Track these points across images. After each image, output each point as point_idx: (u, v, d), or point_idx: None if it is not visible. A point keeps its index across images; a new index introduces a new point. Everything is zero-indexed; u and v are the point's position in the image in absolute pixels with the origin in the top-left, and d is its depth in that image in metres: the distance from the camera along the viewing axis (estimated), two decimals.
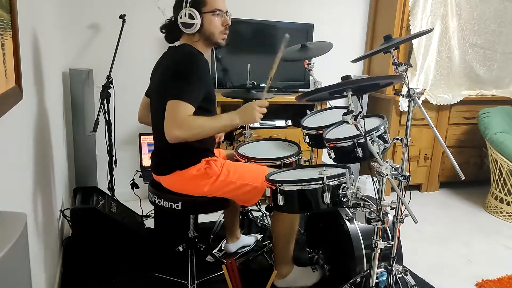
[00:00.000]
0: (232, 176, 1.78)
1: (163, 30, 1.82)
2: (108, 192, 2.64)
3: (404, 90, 1.74)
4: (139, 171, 2.78)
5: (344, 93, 1.56)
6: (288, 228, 1.92)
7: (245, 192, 1.79)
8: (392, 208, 1.60)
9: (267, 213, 2.70)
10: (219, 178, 1.77)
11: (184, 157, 1.76)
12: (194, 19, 1.69)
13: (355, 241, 1.84)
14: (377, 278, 1.72)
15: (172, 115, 1.59)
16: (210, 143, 1.89)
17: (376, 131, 1.69)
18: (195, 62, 1.69)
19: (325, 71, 3.03)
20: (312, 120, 2.20)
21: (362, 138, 1.65)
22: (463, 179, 1.64)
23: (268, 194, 1.69)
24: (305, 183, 1.60)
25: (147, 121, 1.99)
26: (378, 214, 1.54)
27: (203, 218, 2.70)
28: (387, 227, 1.86)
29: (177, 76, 1.65)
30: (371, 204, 1.64)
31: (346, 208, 1.94)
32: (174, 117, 1.58)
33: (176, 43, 1.84)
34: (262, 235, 2.54)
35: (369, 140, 1.53)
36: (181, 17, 1.69)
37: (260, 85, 3.05)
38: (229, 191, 1.79)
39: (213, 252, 2.35)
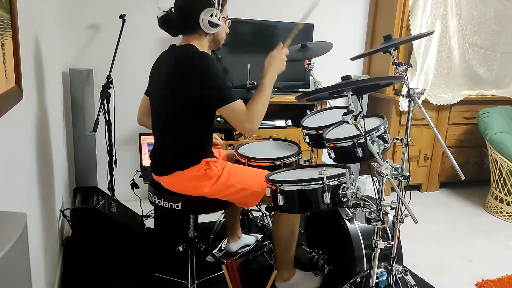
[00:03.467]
0: (232, 179, 1.78)
1: (167, 24, 1.78)
2: (108, 192, 2.64)
3: (404, 90, 1.74)
4: (139, 171, 2.78)
5: (344, 93, 1.56)
6: (288, 232, 1.91)
7: (245, 195, 1.79)
8: (392, 208, 1.60)
9: (267, 213, 2.70)
10: (220, 180, 1.77)
11: (184, 157, 1.76)
12: (220, 21, 1.73)
13: (355, 241, 1.84)
14: (377, 278, 1.72)
15: (236, 117, 1.68)
16: (208, 143, 1.89)
17: (376, 131, 1.69)
18: (216, 65, 1.71)
19: (325, 71, 3.03)
20: (312, 120, 2.20)
21: (362, 138, 1.65)
22: (463, 179, 1.64)
23: (268, 194, 1.69)
24: (305, 183, 1.59)
25: (147, 123, 1.97)
26: (378, 214, 1.54)
27: (203, 218, 2.70)
28: (387, 227, 1.86)
29: (210, 83, 1.66)
30: (371, 204, 1.64)
31: (346, 208, 1.94)
32: (239, 117, 1.68)
33: (177, 43, 1.84)
34: (262, 235, 2.54)
35: (369, 140, 1.53)
36: (211, 16, 1.69)
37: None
38: (229, 194, 1.79)
39: (213, 252, 2.35)
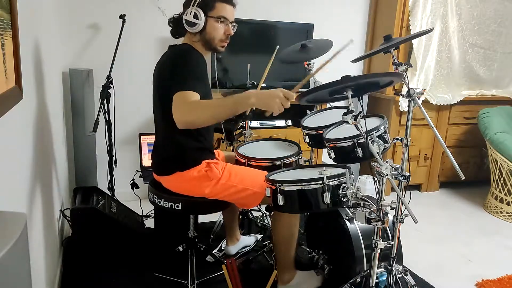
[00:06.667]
0: (233, 180, 1.78)
1: (171, 24, 1.84)
2: (108, 192, 2.64)
3: (404, 90, 1.74)
4: (139, 171, 2.78)
5: (344, 93, 1.55)
6: (287, 234, 1.90)
7: (245, 196, 1.79)
8: (392, 208, 1.60)
9: (267, 213, 2.70)
10: (220, 181, 1.77)
11: (184, 157, 1.76)
12: (198, 19, 1.70)
13: (355, 241, 1.84)
14: (377, 278, 1.72)
15: (178, 103, 1.56)
16: (210, 144, 1.89)
17: (376, 131, 1.69)
18: (191, 58, 1.71)
19: (325, 71, 3.03)
20: (312, 120, 2.20)
21: (362, 138, 1.65)
22: (463, 179, 1.64)
23: (268, 194, 1.68)
24: (305, 183, 1.59)
25: None
26: (378, 214, 1.54)
27: (203, 218, 2.70)
28: (387, 227, 1.86)
29: (175, 71, 1.66)
30: (371, 204, 1.64)
31: (346, 208, 1.94)
32: (180, 104, 1.56)
33: (178, 42, 1.84)
34: (262, 235, 2.54)
35: (369, 140, 1.53)
36: (186, 15, 1.71)
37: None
38: (230, 195, 1.78)
39: (213, 252, 2.35)
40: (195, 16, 1.70)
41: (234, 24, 1.81)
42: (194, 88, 1.58)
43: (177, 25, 1.81)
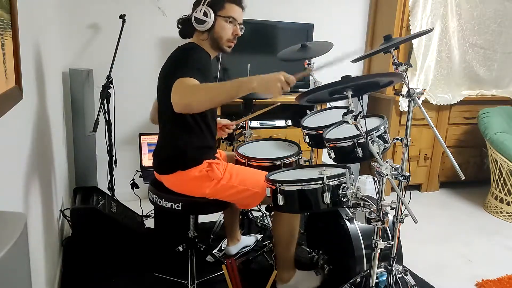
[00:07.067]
0: (234, 180, 1.78)
1: (179, 25, 1.84)
2: (108, 192, 2.64)
3: (404, 90, 1.74)
4: (139, 171, 2.78)
5: (344, 93, 1.55)
6: (288, 231, 1.91)
7: (246, 196, 1.79)
8: (392, 208, 1.60)
9: (267, 213, 2.70)
10: (221, 182, 1.77)
11: (186, 156, 1.76)
12: (207, 17, 1.72)
13: (355, 241, 1.84)
14: (377, 278, 1.72)
15: (178, 87, 1.55)
16: (212, 142, 1.89)
17: (376, 131, 1.69)
18: (195, 54, 1.73)
19: (325, 71, 3.02)
20: (312, 120, 2.20)
21: (362, 138, 1.65)
22: (463, 179, 1.64)
23: (268, 194, 1.68)
24: (305, 183, 1.59)
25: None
26: (378, 214, 1.54)
27: (203, 218, 2.70)
28: (387, 227, 1.86)
29: (178, 65, 1.67)
30: (371, 204, 1.64)
31: (346, 208, 1.94)
32: (179, 88, 1.55)
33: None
34: (262, 235, 2.54)
35: (369, 140, 1.53)
36: (196, 12, 1.73)
37: None
38: (230, 195, 1.79)
39: (213, 252, 2.35)
40: (205, 14, 1.72)
41: (242, 26, 1.83)
42: (194, 77, 1.59)
43: (185, 26, 1.81)
